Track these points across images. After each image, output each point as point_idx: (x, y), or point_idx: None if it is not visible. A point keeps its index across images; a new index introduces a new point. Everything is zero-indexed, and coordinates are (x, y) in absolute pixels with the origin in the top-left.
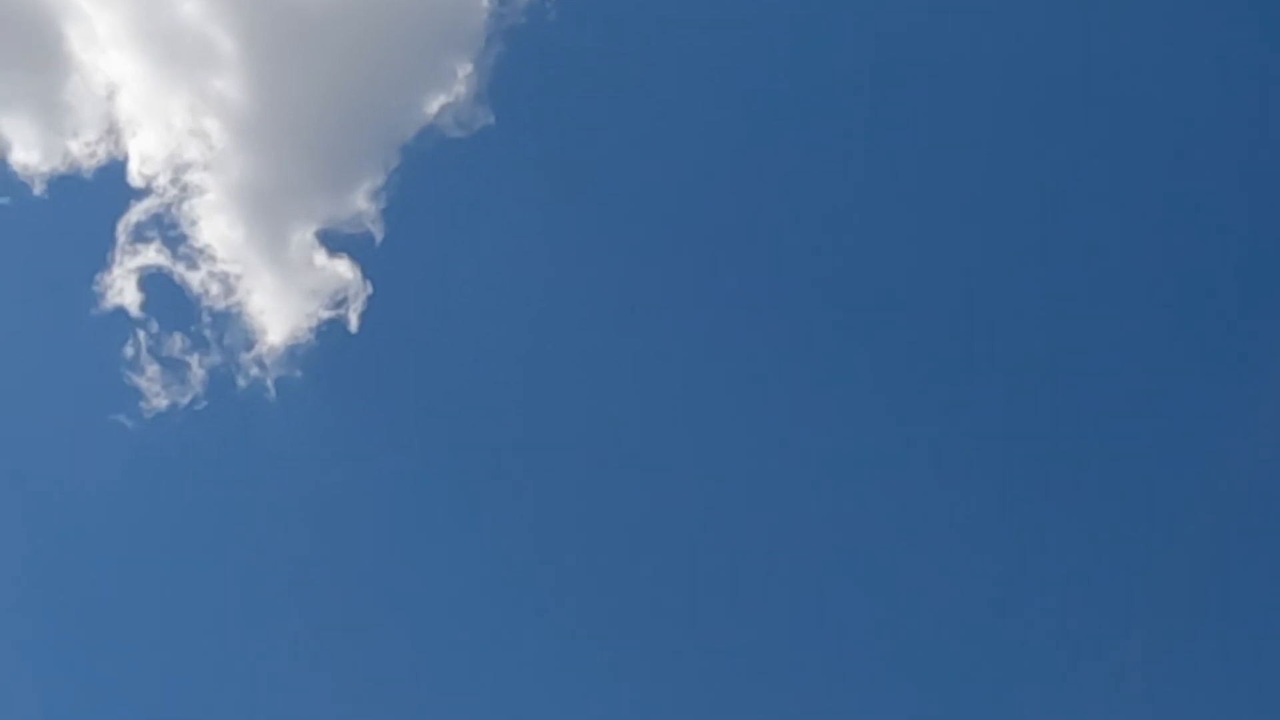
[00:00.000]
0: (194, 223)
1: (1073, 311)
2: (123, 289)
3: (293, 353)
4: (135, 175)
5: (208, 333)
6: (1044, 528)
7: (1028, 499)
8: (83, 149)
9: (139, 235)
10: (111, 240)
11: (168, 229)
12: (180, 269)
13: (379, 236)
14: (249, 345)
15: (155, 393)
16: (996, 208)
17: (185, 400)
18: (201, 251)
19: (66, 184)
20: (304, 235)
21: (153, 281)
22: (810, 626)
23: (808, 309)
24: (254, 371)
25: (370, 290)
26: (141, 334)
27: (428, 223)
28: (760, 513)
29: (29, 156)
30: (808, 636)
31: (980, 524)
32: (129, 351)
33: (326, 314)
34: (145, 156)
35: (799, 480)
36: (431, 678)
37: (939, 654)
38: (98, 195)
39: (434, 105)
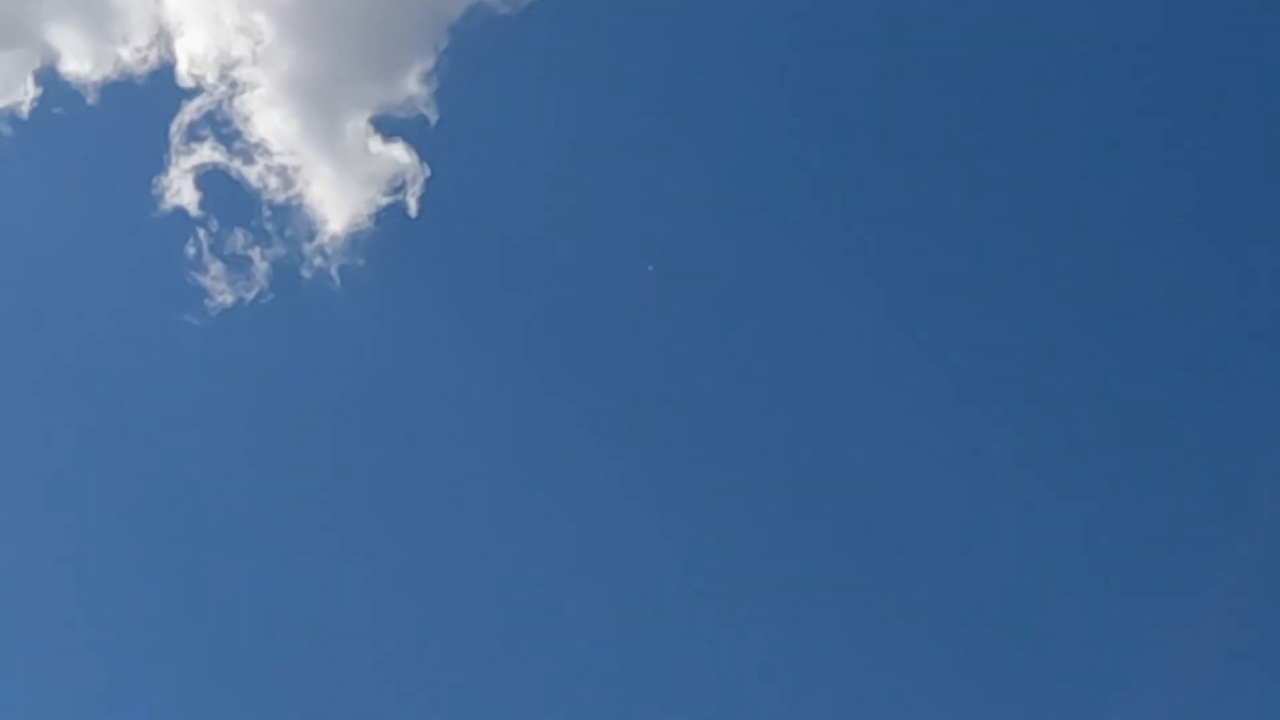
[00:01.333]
0: (247, 118)
1: None
2: (180, 189)
3: (354, 241)
4: (185, 76)
5: (269, 226)
6: None
7: None
8: (133, 55)
9: (193, 134)
10: (166, 142)
11: (221, 126)
12: (237, 165)
13: (433, 119)
14: (310, 236)
15: (220, 290)
16: None
17: (250, 295)
18: (257, 146)
19: (118, 90)
20: (358, 123)
21: (210, 179)
22: None
23: None
24: (317, 262)
25: (428, 173)
26: (202, 232)
27: (481, 102)
28: None
29: (80, 66)
30: None
31: None
32: (191, 251)
33: (385, 200)
34: (194, 57)
35: None
36: (499, 563)
37: None
38: (150, 99)
39: None
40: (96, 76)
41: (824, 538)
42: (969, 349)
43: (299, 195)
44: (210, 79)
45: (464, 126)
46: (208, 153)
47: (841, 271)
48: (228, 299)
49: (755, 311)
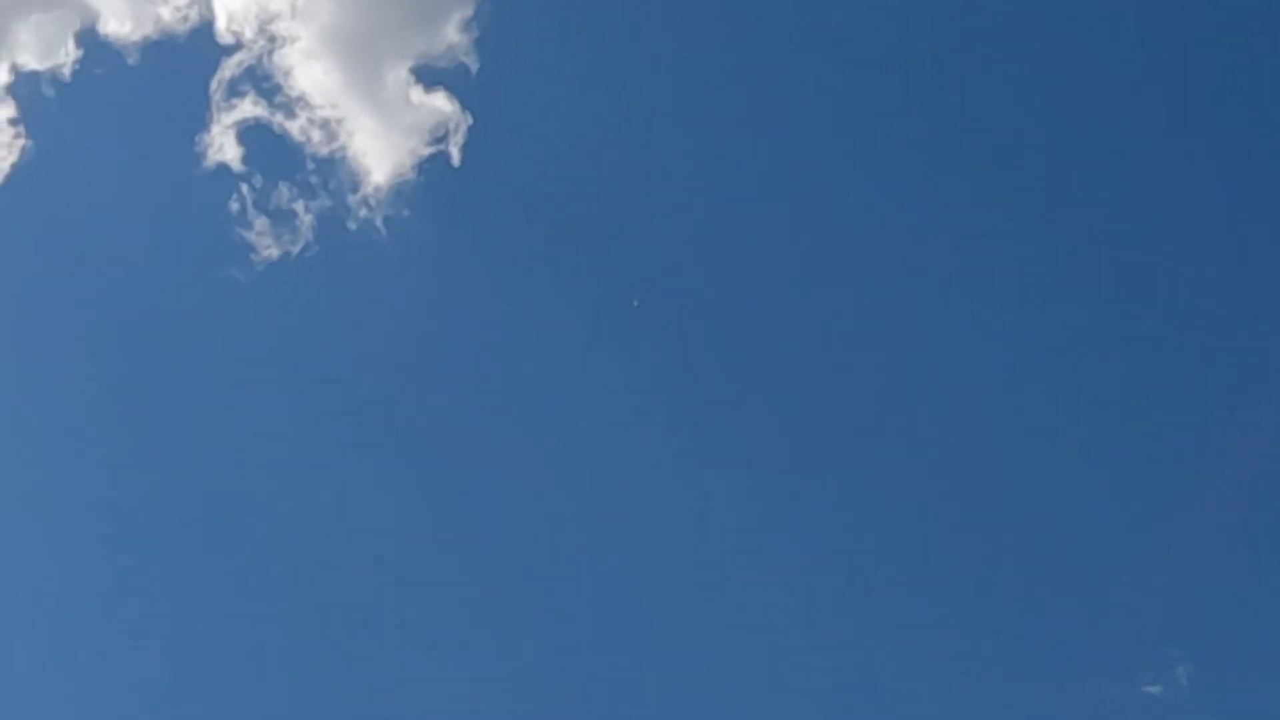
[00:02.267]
0: (288, 72)
1: None
2: (223, 146)
3: (399, 191)
4: (225, 33)
5: (313, 180)
6: None
7: None
8: (173, 13)
9: (234, 90)
10: (207, 99)
11: (262, 81)
12: (279, 119)
13: (474, 68)
14: (354, 188)
15: (266, 245)
16: None
17: (296, 249)
18: (298, 100)
19: (159, 49)
20: (399, 73)
21: (252, 135)
22: None
23: None
24: (363, 213)
25: (470, 121)
26: (246, 188)
27: (521, 49)
28: None
29: (120, 26)
30: None
31: None
32: (235, 207)
33: (428, 150)
34: (233, 13)
35: None
36: (547, 508)
37: None
38: (190, 57)
39: None
40: (136, 36)
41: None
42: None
43: (342, 148)
44: (249, 34)
45: (505, 74)
46: (249, 108)
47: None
48: (273, 253)
49: (797, 251)
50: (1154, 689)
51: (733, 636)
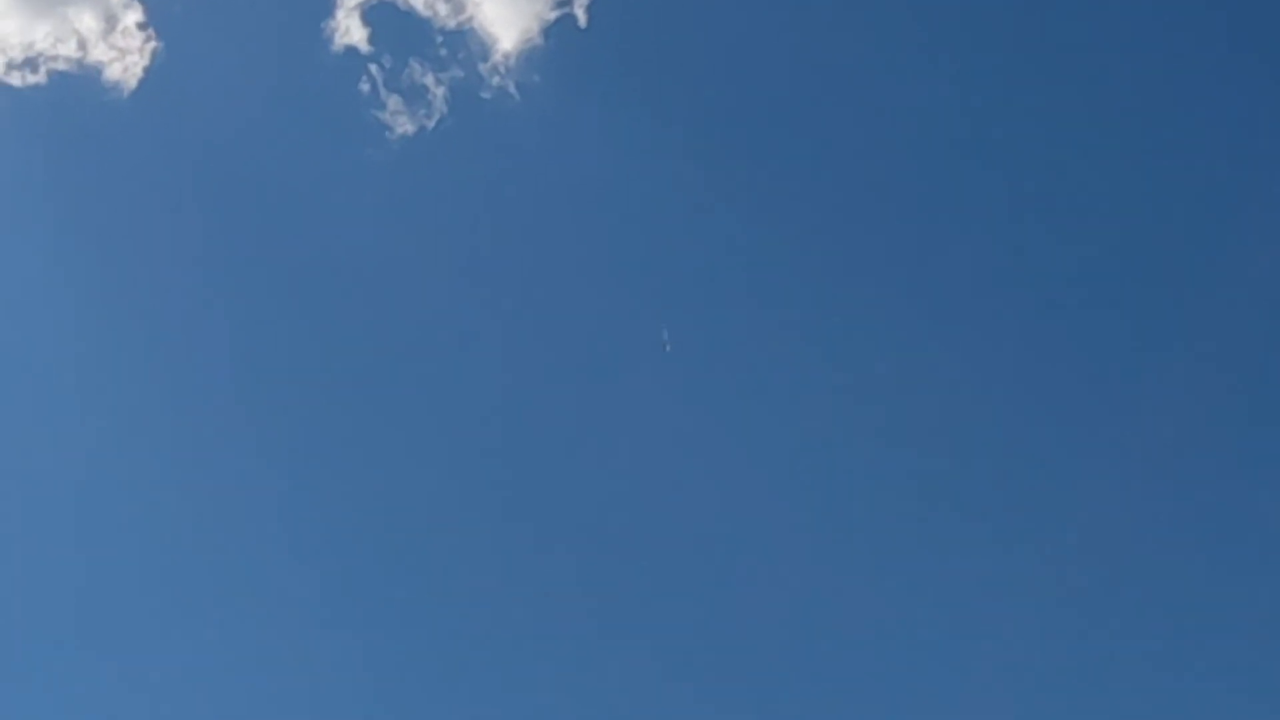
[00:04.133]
0: None
1: None
2: (349, 28)
3: (528, 58)
4: None
5: (442, 53)
6: None
7: None
8: None
9: None
10: None
11: None
12: None
13: None
14: (484, 57)
15: (400, 123)
16: None
17: (431, 123)
18: None
19: None
20: None
21: (377, 14)
22: None
23: None
24: (494, 82)
25: None
26: (375, 68)
27: None
28: None
29: None
30: None
31: None
32: (365, 88)
33: (554, 14)
34: None
35: None
36: (689, 380)
37: None
38: None
39: None
40: None
41: None
42: None
43: (469, 18)
44: None
45: None
46: None
47: None
48: (408, 129)
49: None
50: None
51: None
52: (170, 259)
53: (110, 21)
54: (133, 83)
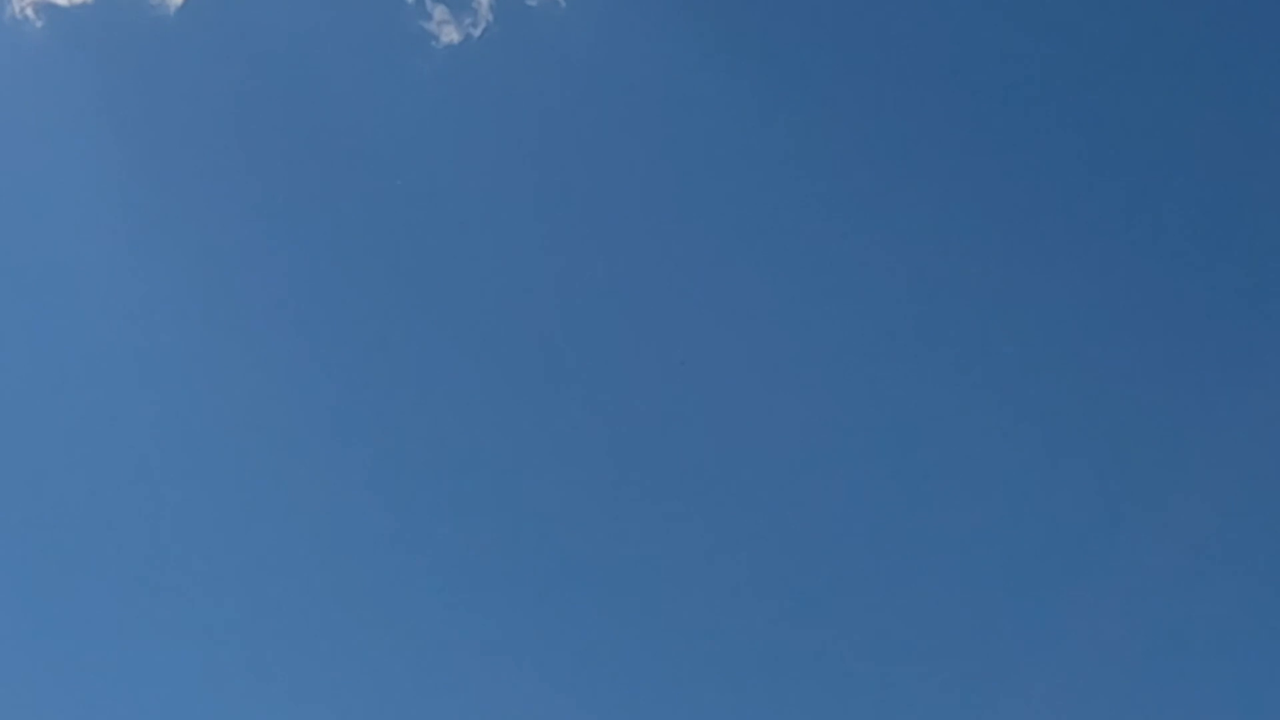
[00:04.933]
0: None
1: None
2: None
3: None
4: None
5: None
6: None
7: None
8: None
9: None
10: None
11: None
12: None
13: None
14: None
15: (446, 32)
16: None
17: (478, 32)
18: None
19: None
20: None
21: None
22: None
23: None
24: None
25: None
26: None
27: None
28: None
29: None
30: None
31: None
32: None
33: None
34: None
35: None
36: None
37: None
38: None
39: None
40: None
41: None
42: None
43: None
44: None
45: None
46: None
47: None
48: (454, 38)
49: None
50: None
51: None
52: (218, 173)
53: None
54: None
